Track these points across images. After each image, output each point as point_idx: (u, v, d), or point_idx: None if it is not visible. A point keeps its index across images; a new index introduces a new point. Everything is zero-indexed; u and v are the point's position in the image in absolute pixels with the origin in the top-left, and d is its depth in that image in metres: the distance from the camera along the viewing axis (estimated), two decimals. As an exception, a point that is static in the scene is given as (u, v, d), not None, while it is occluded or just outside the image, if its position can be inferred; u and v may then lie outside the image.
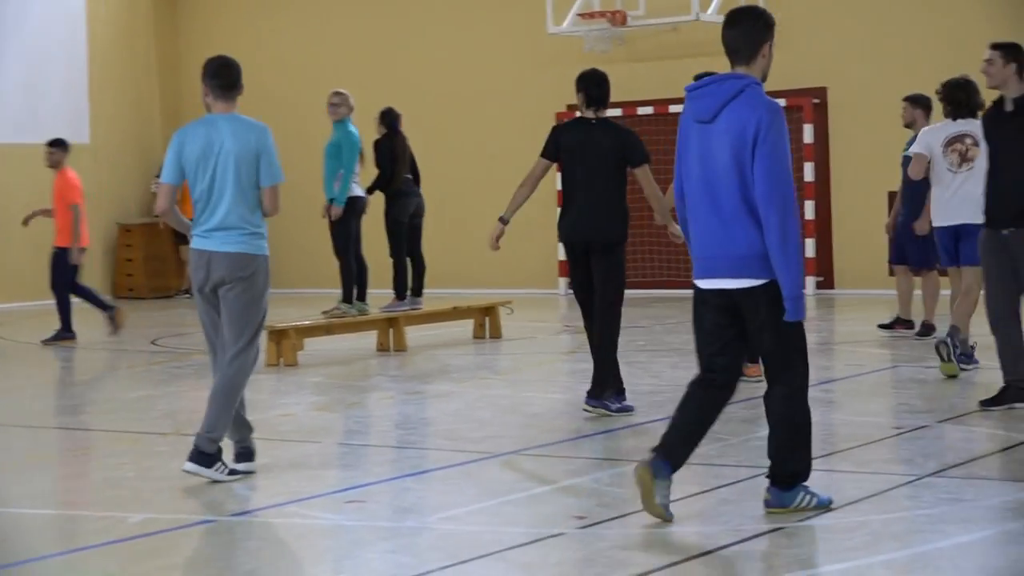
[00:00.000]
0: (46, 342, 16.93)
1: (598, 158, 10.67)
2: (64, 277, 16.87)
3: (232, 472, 8.62)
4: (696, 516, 7.55)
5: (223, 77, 8.77)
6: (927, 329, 14.80)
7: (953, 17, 20.16)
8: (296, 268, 24.16)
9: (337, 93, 15.54)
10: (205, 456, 8.51)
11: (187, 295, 23.96)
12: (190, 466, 8.50)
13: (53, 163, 17.04)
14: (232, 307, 8.56)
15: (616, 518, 7.43)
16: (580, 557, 6.76)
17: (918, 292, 15.05)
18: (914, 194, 14.13)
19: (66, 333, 17.00)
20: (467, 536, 7.18)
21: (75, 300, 17.07)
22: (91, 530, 7.58)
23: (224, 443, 8.62)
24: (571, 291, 11.08)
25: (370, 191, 15.91)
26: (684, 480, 8.46)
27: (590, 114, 10.81)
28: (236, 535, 7.47)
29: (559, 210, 11.12)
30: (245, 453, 8.80)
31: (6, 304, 22.91)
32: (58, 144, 17.11)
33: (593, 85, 10.80)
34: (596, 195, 10.66)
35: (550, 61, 22.47)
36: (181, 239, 23.99)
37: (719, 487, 8.11)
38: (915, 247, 14.59)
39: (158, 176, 25.34)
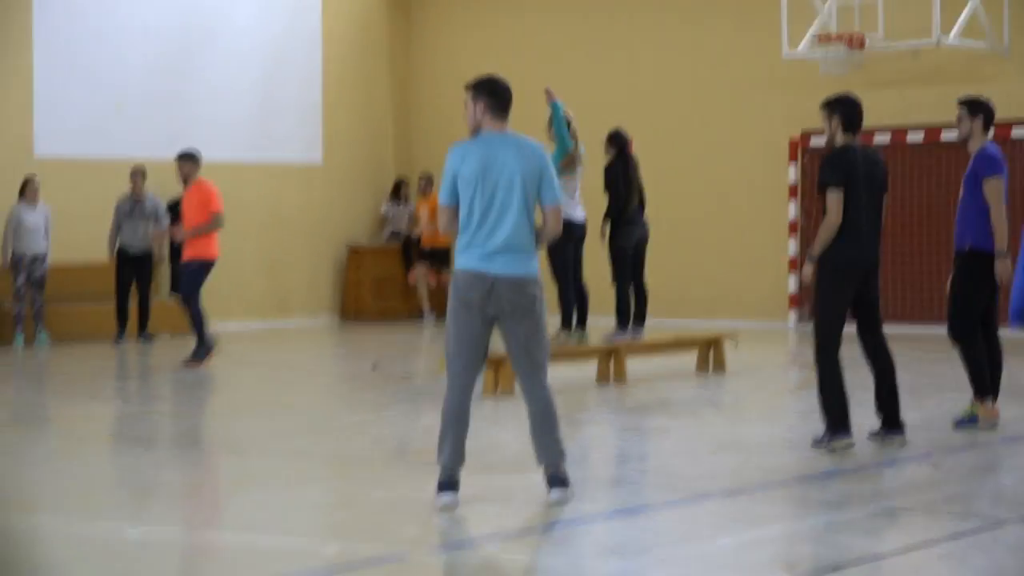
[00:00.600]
0: (187, 363, 16.43)
1: (875, 183, 10.59)
2: (193, 289, 16.41)
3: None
4: (914, 570, 7.05)
5: (501, 96, 8.64)
6: None
7: None
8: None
9: None
10: (566, 479, 8.65)
11: (423, 318, 23.80)
12: (558, 494, 8.60)
13: (184, 176, 16.83)
14: (527, 335, 8.58)
15: (832, 571, 6.97)
16: (788, 612, 6.34)
17: None
18: None
19: (203, 348, 16.44)
20: (669, 584, 6.81)
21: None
22: (283, 559, 7.37)
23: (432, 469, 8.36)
24: (806, 322, 10.68)
25: (606, 217, 15.52)
26: (902, 530, 7.97)
27: (850, 139, 10.58)
28: (431, 571, 7.20)
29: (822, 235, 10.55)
30: (451, 483, 8.56)
31: (240, 322, 23.11)
32: (187, 157, 16.94)
33: (855, 110, 10.61)
34: (876, 220, 10.63)
35: (784, 85, 21.94)
36: (411, 262, 23.94)
37: (941, 540, 7.60)
38: None
39: (391, 198, 25.22)
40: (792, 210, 21.95)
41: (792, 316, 21.78)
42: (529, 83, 24.22)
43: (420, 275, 23.83)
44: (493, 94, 8.64)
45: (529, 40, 24.48)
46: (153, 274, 20.74)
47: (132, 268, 20.05)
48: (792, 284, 21.78)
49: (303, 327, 23.42)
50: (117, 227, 19.90)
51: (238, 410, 13.53)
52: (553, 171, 8.66)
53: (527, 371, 8.66)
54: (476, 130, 8.65)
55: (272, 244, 23.91)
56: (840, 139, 10.60)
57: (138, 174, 20.33)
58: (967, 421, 11.21)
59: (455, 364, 8.59)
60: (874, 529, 8.05)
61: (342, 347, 20.95)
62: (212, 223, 16.53)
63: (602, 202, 15.54)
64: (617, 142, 15.71)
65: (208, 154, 22.57)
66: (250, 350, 19.52)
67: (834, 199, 10.40)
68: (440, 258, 23.74)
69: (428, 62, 25.87)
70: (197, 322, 16.40)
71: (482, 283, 8.48)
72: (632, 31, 23.73)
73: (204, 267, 16.52)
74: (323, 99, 24.66)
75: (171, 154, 22.08)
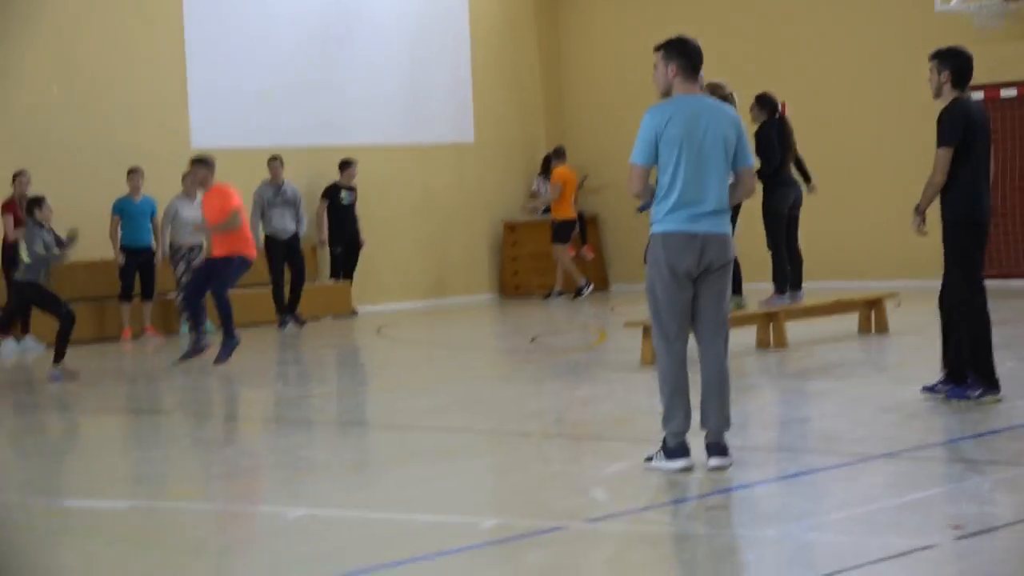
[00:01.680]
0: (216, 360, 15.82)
1: (989, 138, 10.35)
2: (224, 286, 15.76)
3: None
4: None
5: (692, 57, 8.56)
6: None
7: None
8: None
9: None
10: (726, 448, 8.55)
11: (562, 295, 23.29)
12: (717, 461, 8.48)
13: (201, 181, 16.06)
14: (720, 293, 8.53)
15: (997, 528, 6.80)
16: (953, 572, 6.18)
17: None
18: None
19: (230, 340, 15.86)
20: (829, 547, 6.67)
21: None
22: (441, 535, 7.36)
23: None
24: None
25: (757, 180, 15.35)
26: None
27: (959, 94, 10.36)
28: (587, 543, 7.13)
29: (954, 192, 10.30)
30: (684, 448, 8.59)
31: (400, 302, 23.23)
32: (201, 163, 16.05)
33: (968, 64, 10.39)
34: (989, 173, 10.42)
35: (936, 41, 21.40)
36: (560, 238, 23.32)
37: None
38: None
39: (540, 174, 24.80)
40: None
41: (954, 274, 21.32)
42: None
43: (558, 253, 23.29)
44: (685, 55, 8.54)
45: (681, 11, 24.20)
46: (303, 258, 20.86)
47: (283, 254, 20.20)
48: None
49: (462, 304, 23.48)
50: (260, 215, 20.05)
51: (397, 388, 13.59)
52: (746, 134, 8.63)
53: (713, 331, 8.55)
54: (667, 92, 8.58)
55: (427, 224, 23.98)
56: (948, 93, 10.30)
57: (276, 161, 20.54)
58: None
59: (670, 333, 8.54)
60: (1043, 486, 7.85)
61: (501, 323, 20.96)
62: (229, 220, 15.68)
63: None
64: (766, 105, 15.58)
65: (359, 138, 22.83)
66: (409, 329, 19.62)
67: (943, 158, 10.14)
68: (567, 231, 23.15)
69: (577, 36, 25.75)
70: (225, 316, 15.89)
71: (693, 243, 8.42)
72: (782, -6, 23.40)
73: (237, 263, 15.85)
74: (472, 77, 24.67)
75: (323, 141, 22.42)
